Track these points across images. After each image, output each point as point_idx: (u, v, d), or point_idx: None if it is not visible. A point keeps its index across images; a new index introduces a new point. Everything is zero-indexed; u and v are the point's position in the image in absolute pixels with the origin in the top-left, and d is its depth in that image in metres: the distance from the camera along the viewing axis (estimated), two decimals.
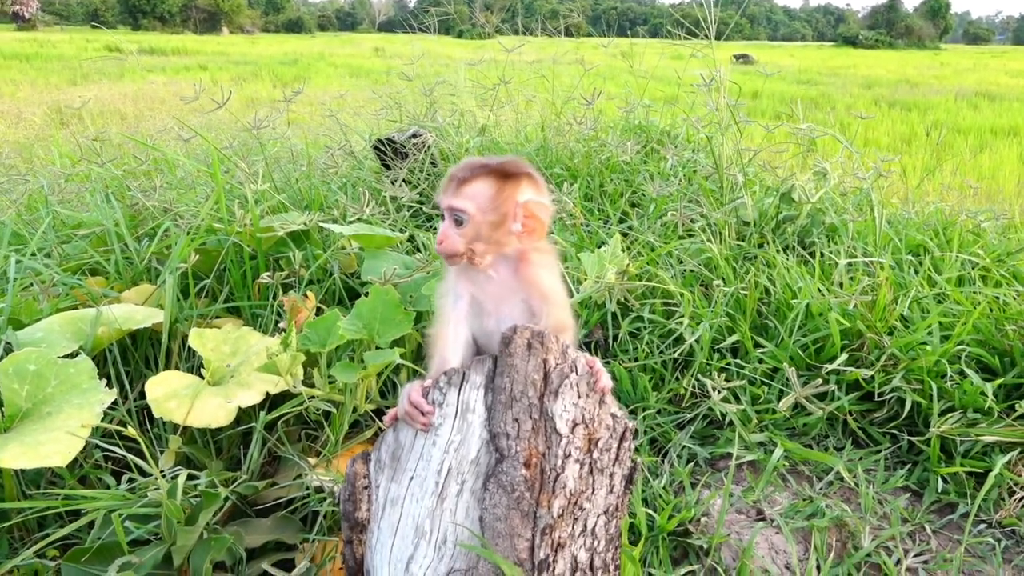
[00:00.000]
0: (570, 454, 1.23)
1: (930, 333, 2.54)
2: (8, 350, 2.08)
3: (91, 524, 1.77)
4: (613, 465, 1.29)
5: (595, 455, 1.26)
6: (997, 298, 2.80)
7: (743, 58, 25.64)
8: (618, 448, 1.29)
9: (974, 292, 2.85)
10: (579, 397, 1.24)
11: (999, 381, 2.37)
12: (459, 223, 1.33)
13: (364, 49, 31.37)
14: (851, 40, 59.54)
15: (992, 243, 3.43)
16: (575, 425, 1.23)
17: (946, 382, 2.40)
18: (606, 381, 1.29)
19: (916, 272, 3.06)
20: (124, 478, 1.86)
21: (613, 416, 1.28)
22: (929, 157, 8.83)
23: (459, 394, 1.26)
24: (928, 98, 16.95)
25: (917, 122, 12.94)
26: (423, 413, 1.27)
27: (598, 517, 1.28)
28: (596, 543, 1.29)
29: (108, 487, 1.90)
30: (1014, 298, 2.80)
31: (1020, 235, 3.65)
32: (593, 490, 1.27)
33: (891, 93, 18.02)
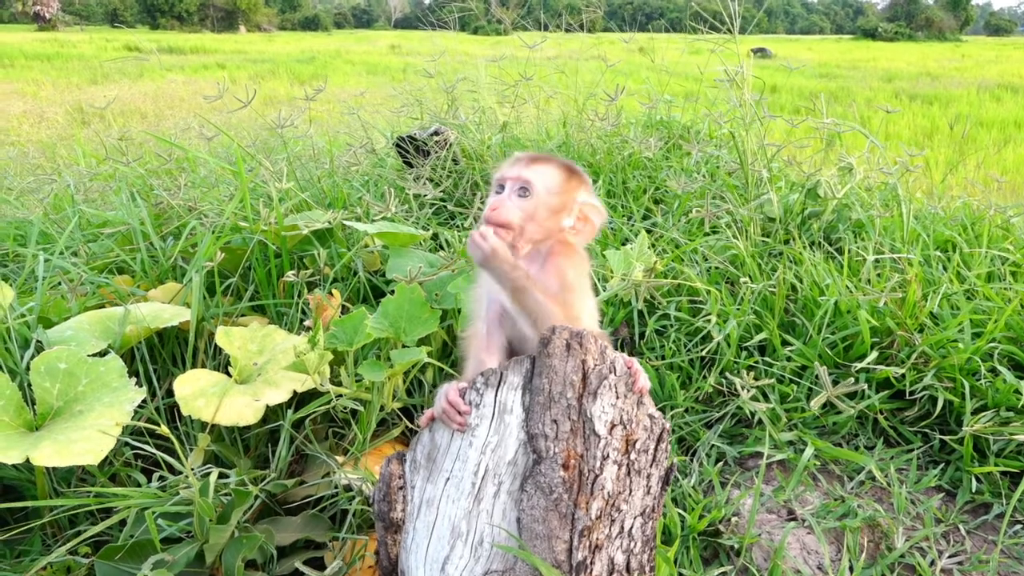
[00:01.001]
0: (608, 455, 1.21)
1: (961, 330, 2.50)
2: (39, 348, 2.10)
3: (123, 522, 1.78)
4: (650, 466, 1.27)
5: (633, 456, 1.25)
6: None
7: (761, 52, 25.44)
8: (655, 449, 1.28)
9: (1005, 288, 2.81)
10: (617, 398, 1.23)
11: None
12: (521, 196, 1.32)
13: (380, 47, 31.45)
14: (870, 33, 58.89)
15: (1022, 239, 3.37)
16: (613, 426, 1.22)
17: (978, 380, 2.36)
18: (644, 381, 1.28)
19: (945, 268, 3.02)
20: (155, 476, 1.87)
21: (651, 417, 1.27)
22: (952, 151, 8.72)
23: (496, 395, 1.25)
24: (950, 91, 16.75)
25: (939, 115, 12.78)
26: (460, 413, 1.26)
27: (635, 518, 1.27)
28: (633, 544, 1.27)
29: (139, 485, 1.91)
30: None
31: None
32: (630, 491, 1.25)
33: (912, 86, 17.82)
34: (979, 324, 2.59)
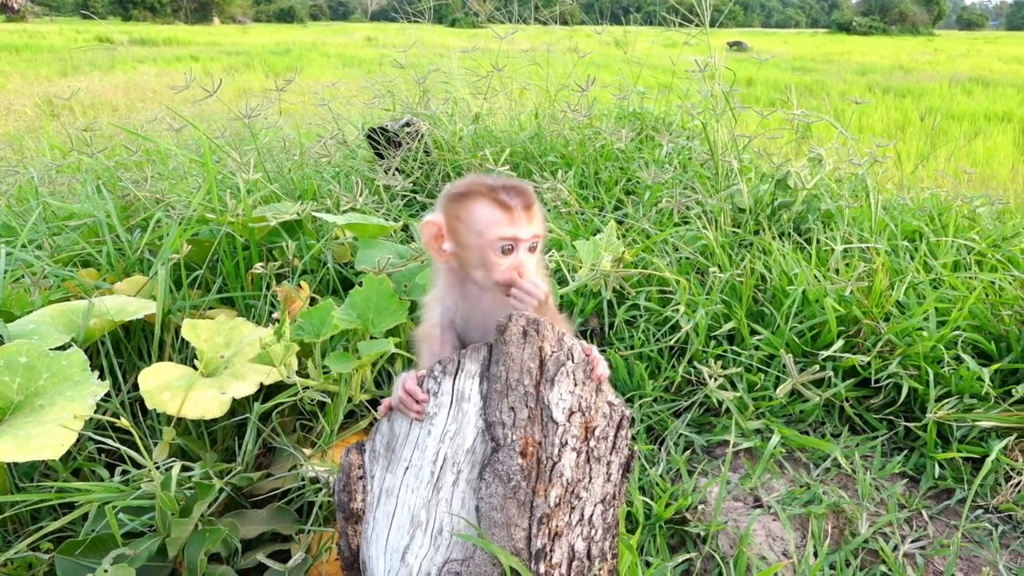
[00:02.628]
0: (567, 443, 1.22)
1: (926, 319, 2.54)
2: (0, 342, 2.06)
3: (85, 517, 1.76)
4: (610, 453, 1.28)
5: (592, 444, 1.25)
6: (993, 283, 2.80)
7: (737, 45, 25.55)
8: (615, 436, 1.28)
9: (970, 277, 2.85)
10: (575, 385, 1.23)
11: (996, 366, 2.37)
12: (531, 249, 1.29)
13: (356, 39, 31.17)
14: (845, 27, 59.35)
15: (988, 228, 3.42)
16: (572, 413, 1.22)
17: (943, 368, 2.40)
18: (603, 369, 1.28)
19: (912, 258, 3.06)
20: (118, 470, 1.85)
21: (610, 404, 1.27)
22: (923, 143, 8.81)
23: (454, 383, 1.24)
24: (922, 84, 16.91)
25: (911, 108, 12.90)
26: (417, 401, 1.26)
27: (595, 506, 1.27)
28: (593, 532, 1.28)
29: (102, 479, 1.88)
30: (1010, 283, 2.79)
31: (1015, 220, 3.64)
32: (590, 479, 1.26)
33: (885, 79, 17.96)
34: (944, 312, 2.62)
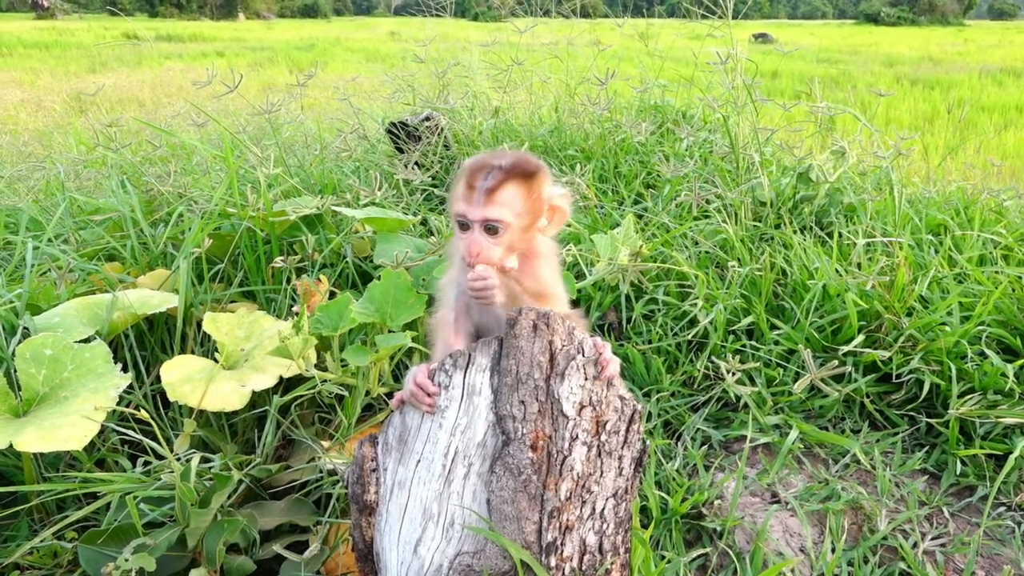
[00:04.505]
0: (577, 436, 1.22)
1: (950, 313, 2.50)
2: (26, 335, 2.10)
3: (108, 507, 1.79)
4: (622, 448, 1.28)
5: (603, 438, 1.25)
6: (1019, 278, 2.75)
7: (762, 37, 25.25)
8: (627, 431, 1.28)
9: (995, 272, 2.80)
10: (586, 379, 1.23)
11: (1020, 362, 2.33)
12: (492, 232, 1.28)
13: (380, 33, 31.25)
14: (873, 17, 58.46)
15: (1015, 222, 3.36)
16: (582, 407, 1.22)
17: (966, 363, 2.36)
18: (613, 369, 1.27)
19: (936, 252, 3.01)
20: (140, 461, 1.88)
21: (621, 398, 1.27)
22: (951, 135, 8.67)
23: (465, 376, 1.25)
24: (951, 75, 16.62)
25: (939, 100, 12.69)
26: (428, 395, 1.27)
27: (607, 500, 1.28)
28: (605, 526, 1.28)
29: (124, 470, 1.92)
30: None
31: None
32: (601, 473, 1.26)
33: (913, 71, 17.68)
34: (968, 307, 2.58)
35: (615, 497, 1.29)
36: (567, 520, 1.22)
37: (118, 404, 1.84)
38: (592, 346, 1.24)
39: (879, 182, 3.58)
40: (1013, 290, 2.69)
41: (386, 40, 26.21)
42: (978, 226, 3.15)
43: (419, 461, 1.26)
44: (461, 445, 1.23)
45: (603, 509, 1.27)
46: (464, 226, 1.28)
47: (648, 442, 1.32)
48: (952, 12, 66.08)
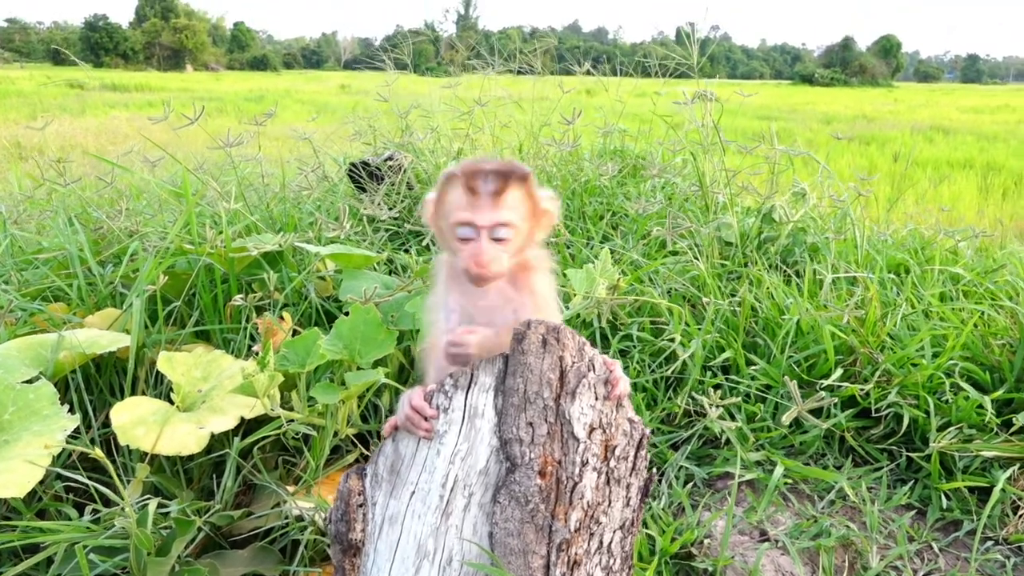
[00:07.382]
0: (587, 461, 1.13)
1: (921, 349, 2.51)
2: None
3: (51, 560, 1.63)
4: (630, 475, 1.19)
5: (612, 463, 1.16)
6: (982, 313, 2.79)
7: (704, 95, 26.10)
8: (635, 456, 1.20)
9: (959, 308, 2.84)
10: (596, 399, 1.15)
11: (993, 396, 2.33)
12: (498, 239, 1.20)
13: (330, 86, 31.38)
14: (807, 78, 61.04)
15: (970, 262, 3.44)
16: (592, 430, 1.14)
17: (940, 398, 2.36)
18: (624, 387, 1.19)
19: (898, 291, 3.05)
20: (87, 509, 1.72)
21: (631, 421, 1.19)
22: (891, 188, 8.98)
23: (467, 397, 1.15)
24: (885, 132, 17.37)
25: (877, 155, 13.22)
26: (426, 419, 1.16)
27: (614, 532, 1.18)
28: (612, 561, 1.19)
29: (70, 519, 1.75)
30: (998, 312, 2.79)
31: (994, 255, 3.67)
32: (610, 502, 1.17)
33: (849, 128, 18.42)
34: (936, 343, 2.60)
35: (622, 529, 1.20)
36: (576, 554, 1.13)
37: (62, 450, 1.70)
38: (603, 363, 1.16)
39: (838, 224, 3.64)
40: (976, 326, 2.72)
41: (337, 92, 26.32)
42: (938, 264, 3.21)
43: (413, 493, 1.15)
44: (461, 473, 1.13)
45: (610, 543, 1.18)
46: (464, 237, 1.19)
47: (655, 472, 1.24)
48: (881, 74, 69.58)
